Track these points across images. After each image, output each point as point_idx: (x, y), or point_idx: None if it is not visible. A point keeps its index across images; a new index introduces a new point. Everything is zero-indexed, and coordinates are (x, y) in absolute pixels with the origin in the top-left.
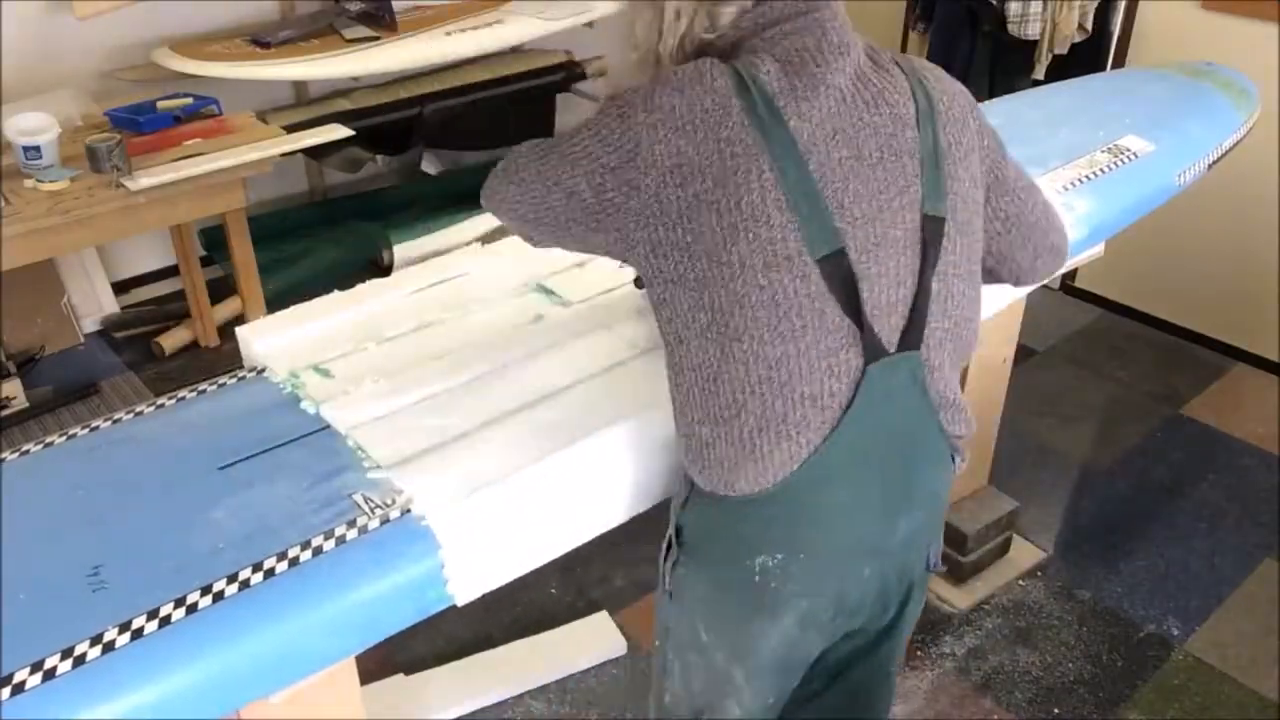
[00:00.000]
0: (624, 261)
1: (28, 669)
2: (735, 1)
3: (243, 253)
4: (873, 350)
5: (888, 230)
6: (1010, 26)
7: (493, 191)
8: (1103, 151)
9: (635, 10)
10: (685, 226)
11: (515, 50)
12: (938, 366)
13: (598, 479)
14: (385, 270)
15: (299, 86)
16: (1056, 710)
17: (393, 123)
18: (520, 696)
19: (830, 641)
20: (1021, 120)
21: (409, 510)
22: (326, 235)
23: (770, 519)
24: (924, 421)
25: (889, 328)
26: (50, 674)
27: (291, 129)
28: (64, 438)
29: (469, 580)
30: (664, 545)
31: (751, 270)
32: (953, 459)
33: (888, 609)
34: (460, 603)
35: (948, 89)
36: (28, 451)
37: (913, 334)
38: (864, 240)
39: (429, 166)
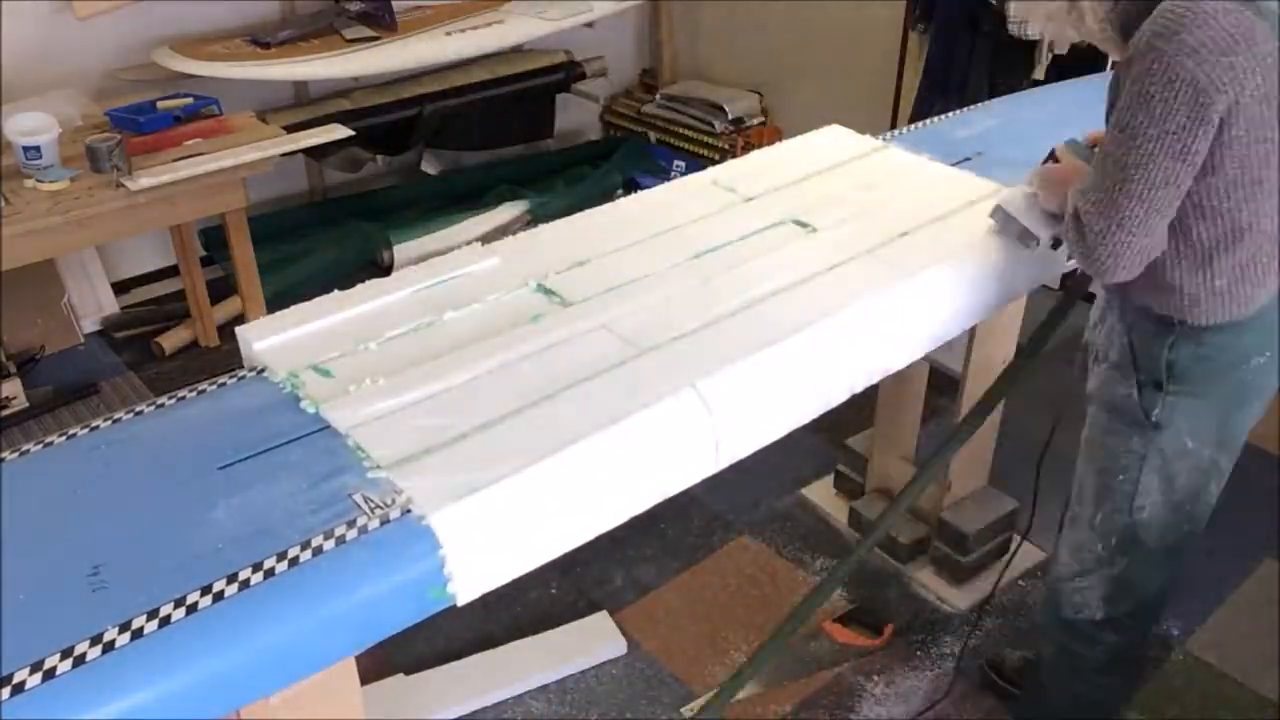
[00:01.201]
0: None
1: (28, 669)
2: None
3: (243, 253)
4: None
5: None
6: (1010, 26)
7: (1105, 254)
8: None
9: None
10: (1241, 125)
11: (515, 50)
12: None
13: (597, 478)
14: (385, 270)
15: (299, 86)
16: None
17: (393, 123)
18: (520, 696)
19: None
20: (1021, 120)
21: (409, 510)
22: (326, 235)
23: (1262, 327)
24: None
25: None
26: (50, 674)
27: (291, 129)
28: (64, 438)
29: (470, 579)
30: (1138, 391)
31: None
32: None
33: None
34: (461, 602)
35: None
36: (28, 451)
37: None
38: None
39: (429, 166)
